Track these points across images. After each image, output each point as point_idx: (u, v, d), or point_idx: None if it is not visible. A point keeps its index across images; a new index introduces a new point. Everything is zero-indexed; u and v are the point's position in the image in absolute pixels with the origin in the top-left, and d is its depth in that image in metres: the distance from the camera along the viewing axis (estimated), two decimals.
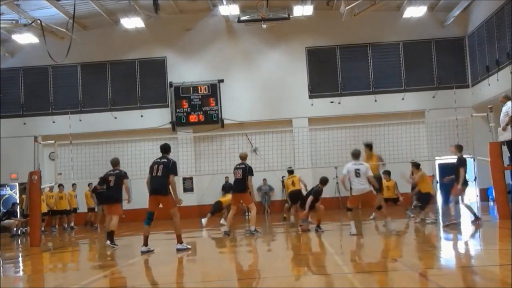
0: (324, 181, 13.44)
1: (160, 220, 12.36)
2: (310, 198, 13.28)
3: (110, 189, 12.61)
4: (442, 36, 24.75)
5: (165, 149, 10.97)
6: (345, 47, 25.05)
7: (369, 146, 14.43)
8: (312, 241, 11.91)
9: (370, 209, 15.84)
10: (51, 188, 20.30)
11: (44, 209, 19.76)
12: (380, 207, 12.37)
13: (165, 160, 10.70)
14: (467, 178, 13.61)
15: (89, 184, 21.20)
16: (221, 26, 25.19)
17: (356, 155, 12.10)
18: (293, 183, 16.53)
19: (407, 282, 6.41)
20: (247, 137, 23.21)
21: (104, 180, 12.85)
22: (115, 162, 12.89)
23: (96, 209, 20.90)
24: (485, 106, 17.67)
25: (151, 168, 10.75)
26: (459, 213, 13.78)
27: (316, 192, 13.34)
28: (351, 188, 12.36)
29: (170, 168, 10.56)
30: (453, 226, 12.77)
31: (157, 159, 10.87)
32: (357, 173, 11.74)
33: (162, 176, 10.52)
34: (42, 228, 20.12)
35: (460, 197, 13.41)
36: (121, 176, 12.61)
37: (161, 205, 10.73)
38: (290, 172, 17.19)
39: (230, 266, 9.16)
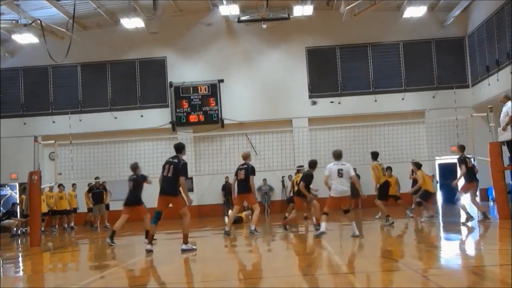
0: (313, 164, 13.36)
1: (166, 219, 12.34)
2: (302, 184, 13.16)
3: (130, 193, 12.74)
4: (442, 36, 24.75)
5: (178, 148, 10.80)
6: (345, 47, 25.05)
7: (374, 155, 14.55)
8: (312, 241, 11.91)
9: (374, 209, 15.85)
10: (51, 188, 20.31)
11: (45, 209, 19.80)
12: (347, 211, 11.67)
13: (176, 161, 10.50)
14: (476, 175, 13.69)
15: (89, 184, 21.22)
16: (221, 26, 25.20)
17: (337, 155, 11.66)
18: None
19: (407, 282, 6.41)
20: (247, 137, 23.20)
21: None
22: (133, 167, 12.93)
23: (93, 210, 20.86)
24: (485, 106, 17.66)
25: (163, 167, 10.61)
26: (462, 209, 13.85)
27: (308, 176, 13.21)
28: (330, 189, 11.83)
29: (180, 169, 10.39)
30: (470, 222, 12.93)
31: (169, 158, 10.68)
32: (340, 173, 11.29)
33: (172, 176, 10.37)
34: (42, 228, 20.14)
35: (470, 195, 13.66)
36: (139, 181, 12.76)
37: (170, 205, 10.66)
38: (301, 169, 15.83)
39: (230, 266, 9.15)
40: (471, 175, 13.55)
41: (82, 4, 21.44)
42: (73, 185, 21.29)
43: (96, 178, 20.30)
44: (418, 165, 15.40)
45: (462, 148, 13.89)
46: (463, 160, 13.50)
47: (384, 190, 14.49)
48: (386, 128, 19.82)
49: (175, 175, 10.35)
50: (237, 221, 16.79)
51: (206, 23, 24.94)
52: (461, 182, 13.98)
